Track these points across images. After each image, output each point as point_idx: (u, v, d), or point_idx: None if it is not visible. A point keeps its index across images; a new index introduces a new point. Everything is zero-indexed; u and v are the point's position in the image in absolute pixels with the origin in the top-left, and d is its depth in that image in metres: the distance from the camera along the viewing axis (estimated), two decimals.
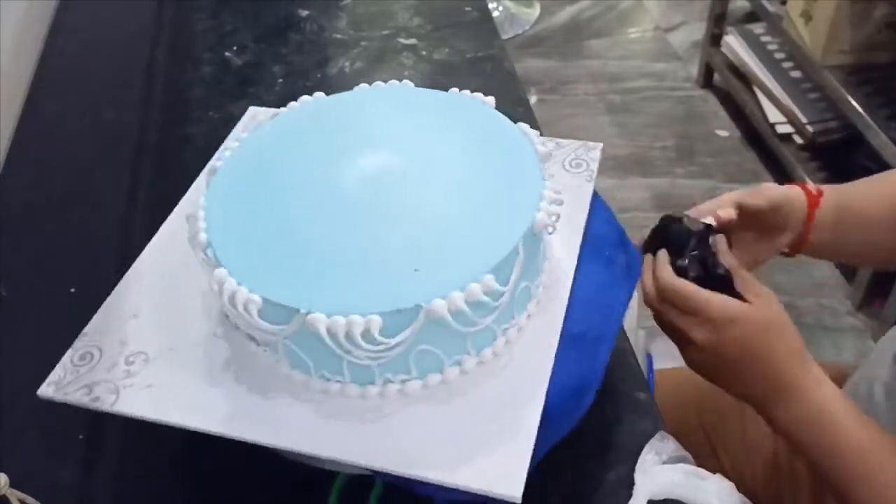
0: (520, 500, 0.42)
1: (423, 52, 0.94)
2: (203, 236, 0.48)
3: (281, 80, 0.91)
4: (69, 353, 0.50)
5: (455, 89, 0.58)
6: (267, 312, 0.44)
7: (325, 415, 0.46)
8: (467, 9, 1.01)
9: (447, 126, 0.55)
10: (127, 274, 0.55)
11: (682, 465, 0.50)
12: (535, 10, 2.46)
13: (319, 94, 0.58)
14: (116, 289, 0.54)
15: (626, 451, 0.53)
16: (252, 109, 0.69)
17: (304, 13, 1.01)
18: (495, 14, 2.35)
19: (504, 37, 1.84)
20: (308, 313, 0.42)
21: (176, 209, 0.60)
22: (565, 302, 0.51)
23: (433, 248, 0.46)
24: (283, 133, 0.56)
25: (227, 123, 0.85)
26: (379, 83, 0.59)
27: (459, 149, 0.53)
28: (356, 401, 0.47)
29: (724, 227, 0.63)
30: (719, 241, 0.61)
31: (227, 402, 0.47)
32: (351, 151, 0.53)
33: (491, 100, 0.56)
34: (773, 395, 0.57)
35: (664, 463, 0.50)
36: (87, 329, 0.52)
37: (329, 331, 0.42)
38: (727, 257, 0.60)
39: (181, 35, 1.00)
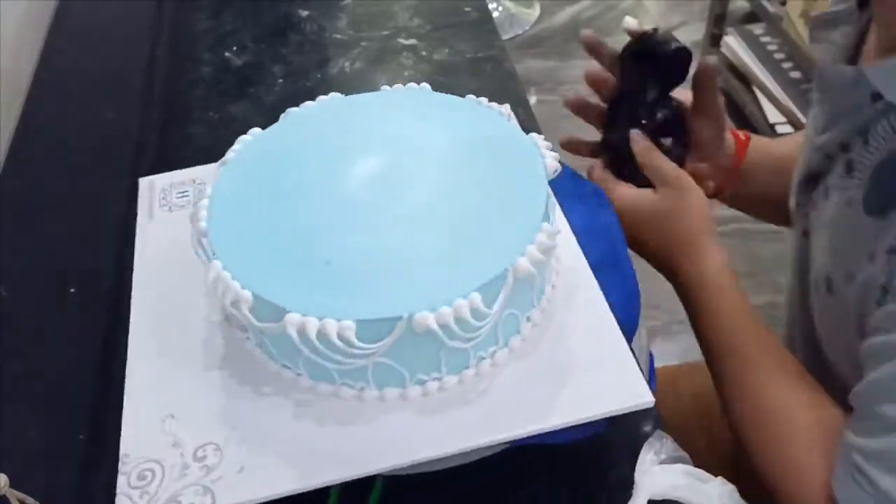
0: (653, 403, 0.45)
1: (423, 53, 0.94)
2: (247, 293, 0.44)
3: (281, 80, 0.91)
4: (121, 480, 0.46)
5: (398, 84, 0.59)
6: (363, 332, 0.43)
7: (430, 414, 0.46)
8: (467, 9, 1.01)
9: (423, 119, 0.56)
10: (128, 373, 0.51)
11: (683, 466, 0.50)
12: (535, 11, 2.46)
13: (256, 131, 0.56)
14: (126, 400, 0.49)
15: (626, 451, 0.53)
16: (146, 181, 0.64)
17: (304, 13, 1.01)
18: (495, 14, 2.35)
19: (504, 37, 1.84)
20: (411, 315, 0.42)
21: (135, 293, 0.55)
22: (573, 238, 0.54)
23: (479, 221, 0.48)
24: (266, 162, 0.54)
25: (228, 123, 0.85)
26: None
27: (448, 136, 0.54)
28: (455, 389, 0.47)
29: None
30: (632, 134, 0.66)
31: (329, 447, 0.45)
32: (350, 158, 0.52)
33: (425, 85, 0.59)
34: (671, 275, 0.63)
35: (662, 462, 0.50)
36: (123, 450, 0.47)
37: (439, 322, 0.42)
38: (637, 146, 0.66)
39: (181, 35, 1.00)
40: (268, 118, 0.57)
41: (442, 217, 0.48)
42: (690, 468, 0.49)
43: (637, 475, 0.50)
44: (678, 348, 1.41)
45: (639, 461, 0.51)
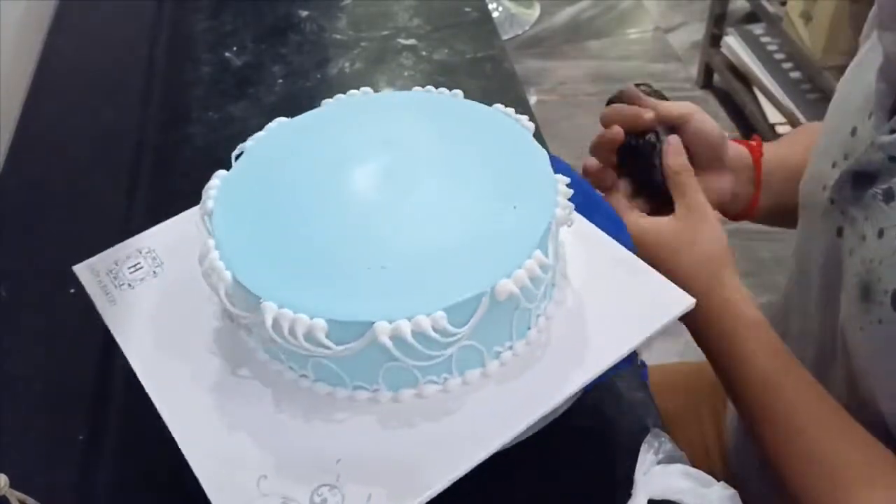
0: (694, 304, 0.49)
1: (423, 53, 0.94)
2: (320, 321, 0.42)
3: (281, 80, 0.91)
4: None
5: (341, 95, 0.58)
6: (452, 318, 0.42)
7: (510, 384, 0.47)
8: (467, 9, 1.01)
9: (425, 118, 0.56)
10: (188, 457, 0.46)
11: (682, 466, 0.50)
12: (535, 11, 2.46)
13: (221, 173, 0.53)
14: (202, 479, 0.44)
15: (626, 451, 0.53)
16: (83, 267, 0.59)
17: (304, 13, 1.02)
18: (495, 14, 2.35)
19: (504, 37, 1.84)
20: (493, 287, 0.43)
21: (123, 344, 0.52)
22: None
23: (500, 193, 0.49)
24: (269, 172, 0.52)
25: (228, 124, 0.85)
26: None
27: (423, 127, 0.55)
28: (525, 352, 0.48)
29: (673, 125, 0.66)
30: (671, 141, 0.64)
31: (436, 444, 0.45)
32: (341, 171, 0.51)
33: (366, 89, 0.59)
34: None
35: (660, 461, 0.50)
36: None
37: (518, 286, 0.43)
38: (671, 159, 0.64)
39: (181, 35, 1.00)
40: (268, 118, 0.57)
41: (463, 201, 0.49)
42: (689, 469, 0.49)
43: (637, 475, 0.50)
44: (678, 347, 1.41)
45: (638, 461, 0.51)
